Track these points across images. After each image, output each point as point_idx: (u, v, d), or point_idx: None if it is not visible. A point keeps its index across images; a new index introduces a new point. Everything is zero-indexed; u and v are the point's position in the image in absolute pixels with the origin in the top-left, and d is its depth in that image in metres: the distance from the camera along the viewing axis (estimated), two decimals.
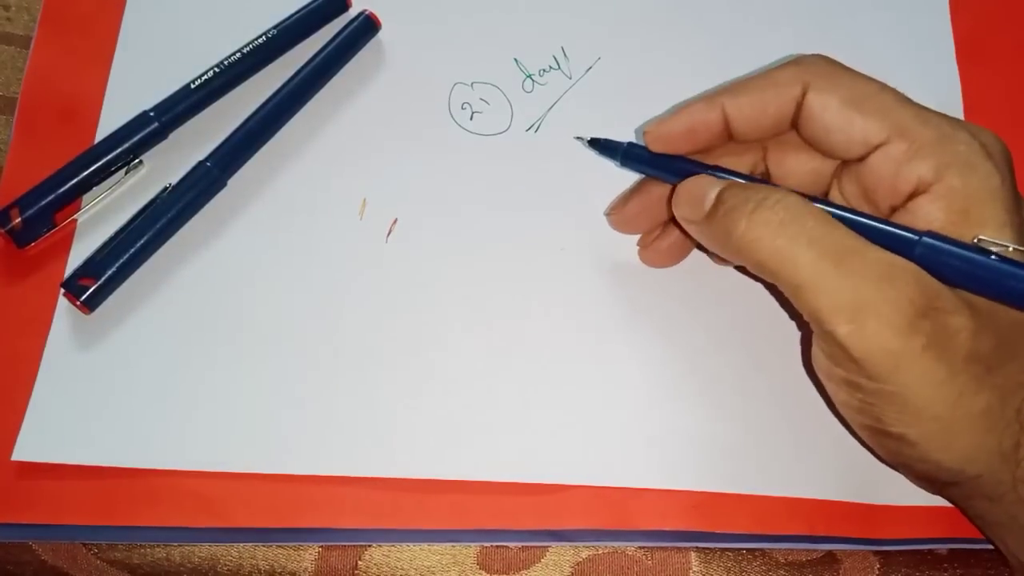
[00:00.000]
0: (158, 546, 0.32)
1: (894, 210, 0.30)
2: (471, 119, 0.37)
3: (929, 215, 0.28)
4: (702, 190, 0.30)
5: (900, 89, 0.30)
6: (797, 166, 0.32)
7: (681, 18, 0.39)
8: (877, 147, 0.29)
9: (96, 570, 0.32)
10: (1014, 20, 0.40)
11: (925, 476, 0.30)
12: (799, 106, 0.31)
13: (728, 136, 0.32)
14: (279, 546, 0.32)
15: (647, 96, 0.37)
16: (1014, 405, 0.28)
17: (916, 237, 0.28)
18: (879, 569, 0.33)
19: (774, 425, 0.34)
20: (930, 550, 0.33)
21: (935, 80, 0.39)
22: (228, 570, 0.32)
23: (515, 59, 0.38)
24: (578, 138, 0.35)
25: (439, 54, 0.38)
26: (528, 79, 0.38)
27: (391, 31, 0.38)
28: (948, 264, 0.27)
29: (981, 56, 0.39)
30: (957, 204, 0.28)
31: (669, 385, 0.34)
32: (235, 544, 0.32)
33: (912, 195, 0.29)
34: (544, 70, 0.38)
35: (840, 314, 0.27)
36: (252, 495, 0.32)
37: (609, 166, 0.35)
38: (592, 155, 0.36)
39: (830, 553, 0.33)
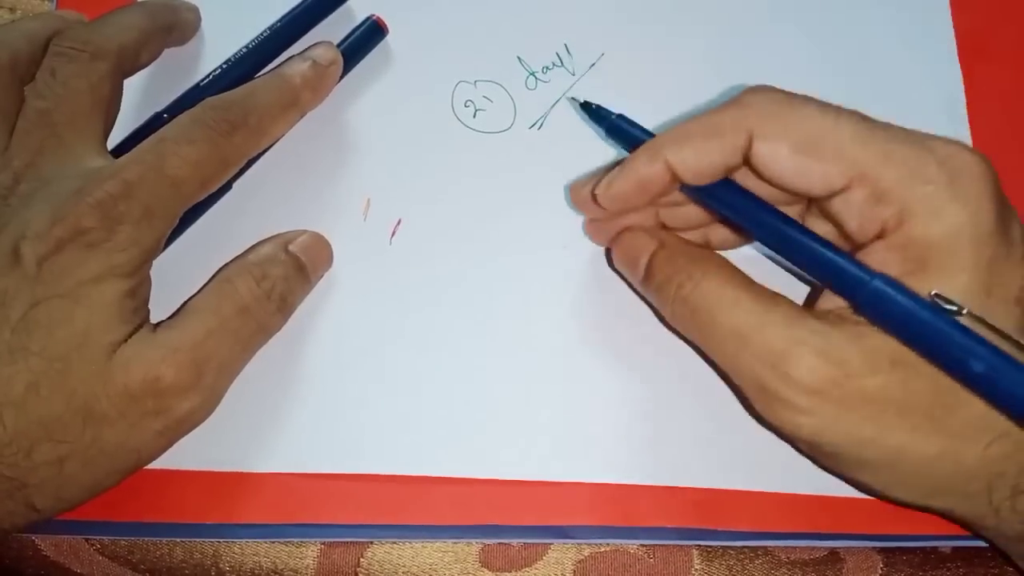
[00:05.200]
0: (161, 542, 0.32)
1: (857, 249, 0.29)
2: (474, 117, 0.37)
3: (885, 263, 0.27)
4: (636, 253, 0.32)
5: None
6: (762, 192, 0.30)
7: (684, 14, 0.39)
8: (838, 192, 0.28)
9: (98, 565, 0.32)
10: (1016, 15, 0.40)
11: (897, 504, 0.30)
12: (747, 154, 0.28)
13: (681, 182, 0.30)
14: (282, 543, 0.32)
15: (651, 92, 0.37)
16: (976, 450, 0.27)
17: (868, 279, 0.27)
18: (883, 567, 0.33)
19: None
20: (934, 548, 0.33)
21: (937, 77, 0.38)
22: (230, 567, 0.32)
23: (518, 57, 0.38)
24: (572, 99, 0.37)
25: (442, 52, 0.38)
26: (531, 76, 0.38)
27: (393, 30, 0.38)
28: (891, 315, 0.26)
29: (983, 52, 0.39)
30: (914, 253, 0.27)
31: (671, 382, 0.34)
32: (237, 540, 0.32)
33: (877, 237, 0.28)
34: (547, 67, 0.38)
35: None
36: (254, 491, 0.32)
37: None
38: (595, 153, 0.36)
39: (833, 551, 0.33)
